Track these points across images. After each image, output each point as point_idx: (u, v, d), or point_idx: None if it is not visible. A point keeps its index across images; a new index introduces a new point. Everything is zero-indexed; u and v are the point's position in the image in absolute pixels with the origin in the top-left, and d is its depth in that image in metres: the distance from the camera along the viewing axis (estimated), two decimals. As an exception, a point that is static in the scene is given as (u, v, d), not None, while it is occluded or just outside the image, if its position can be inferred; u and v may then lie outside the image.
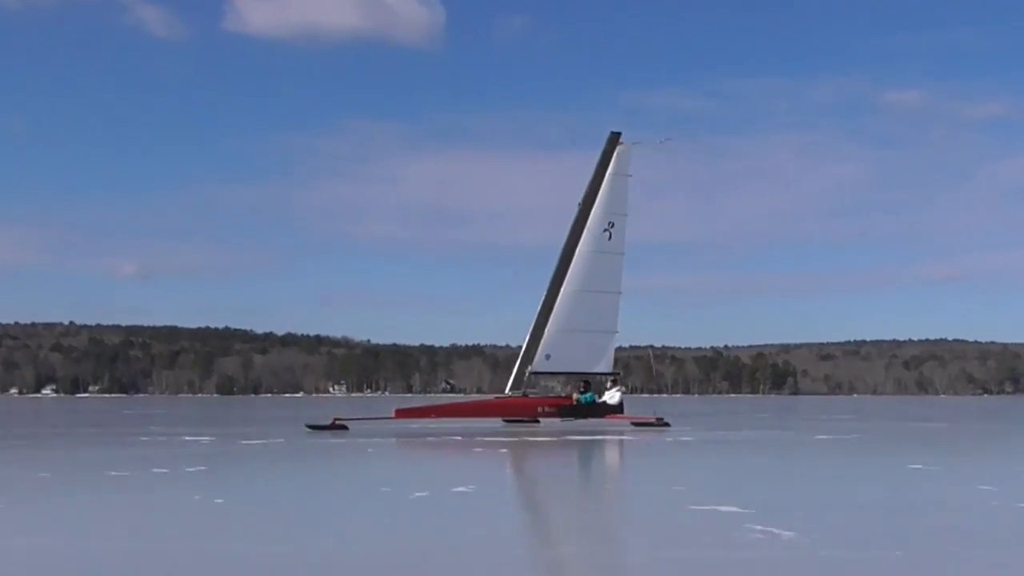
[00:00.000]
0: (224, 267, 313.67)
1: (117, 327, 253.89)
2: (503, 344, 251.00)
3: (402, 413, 37.45)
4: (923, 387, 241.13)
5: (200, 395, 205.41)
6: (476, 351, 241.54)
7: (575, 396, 38.84)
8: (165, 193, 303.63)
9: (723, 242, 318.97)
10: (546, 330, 38.74)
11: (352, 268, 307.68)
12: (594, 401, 38.67)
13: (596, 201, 39.38)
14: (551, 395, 41.12)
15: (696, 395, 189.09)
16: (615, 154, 39.68)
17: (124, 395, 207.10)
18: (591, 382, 39.68)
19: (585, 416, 38.08)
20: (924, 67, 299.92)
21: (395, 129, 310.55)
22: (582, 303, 38.90)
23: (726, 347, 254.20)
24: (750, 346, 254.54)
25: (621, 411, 38.87)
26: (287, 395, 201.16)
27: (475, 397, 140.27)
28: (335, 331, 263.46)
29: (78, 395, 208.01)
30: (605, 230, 39.30)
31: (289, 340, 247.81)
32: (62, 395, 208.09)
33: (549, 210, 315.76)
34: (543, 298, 39.03)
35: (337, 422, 35.10)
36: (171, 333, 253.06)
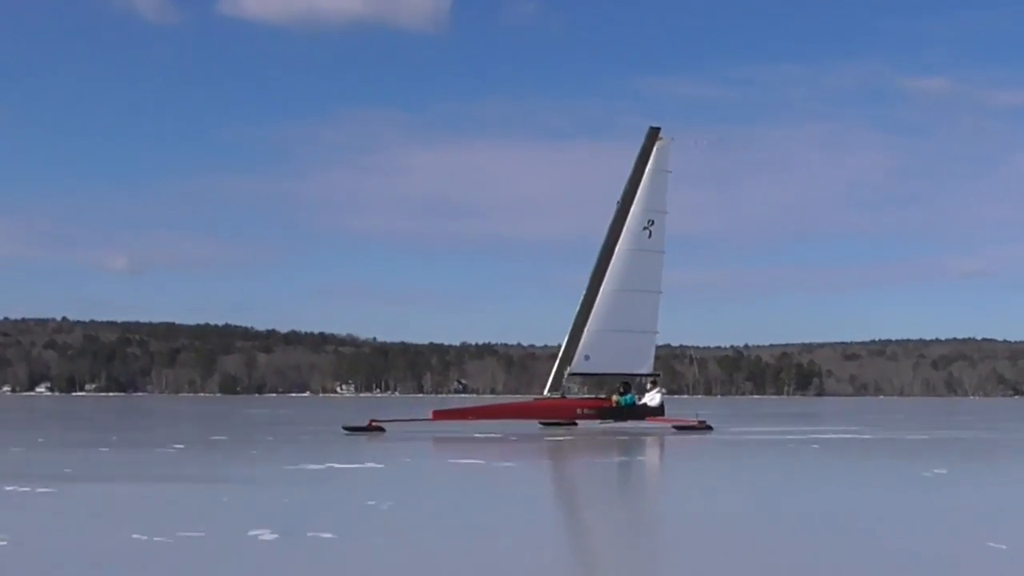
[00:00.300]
0: (220, 261, 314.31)
1: (112, 324, 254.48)
2: (515, 343, 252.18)
3: (440, 415, 38.30)
4: (952, 388, 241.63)
5: (202, 395, 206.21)
6: (488, 350, 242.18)
7: (615, 398, 39.55)
8: (158, 184, 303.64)
9: (740, 237, 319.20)
10: (585, 330, 39.51)
11: (355, 263, 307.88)
12: (634, 403, 39.40)
13: (635, 198, 40.12)
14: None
15: (719, 396, 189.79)
16: (654, 149, 40.43)
17: (122, 394, 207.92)
18: (631, 383, 40.44)
19: (625, 418, 38.82)
20: (950, 52, 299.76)
21: (399, 118, 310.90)
22: (622, 303, 39.65)
23: (746, 346, 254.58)
24: (771, 345, 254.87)
25: (662, 413, 39.59)
26: (293, 395, 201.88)
27: (488, 398, 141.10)
28: (339, 328, 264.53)
29: (74, 394, 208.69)
30: (645, 228, 40.06)
31: (293, 338, 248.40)
32: (57, 394, 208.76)
33: (559, 201, 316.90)
34: (582, 297, 39.82)
35: (373, 424, 35.96)
36: (169, 330, 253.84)
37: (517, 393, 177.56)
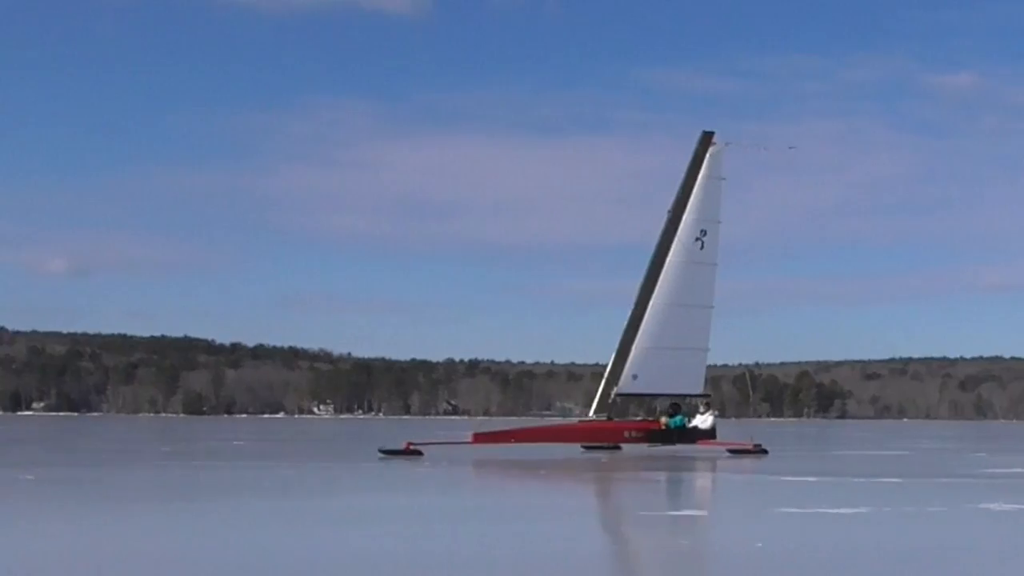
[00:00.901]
0: (173, 266, 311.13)
1: (57, 334, 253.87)
2: (503, 359, 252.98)
3: (480, 437, 39.58)
4: (982, 411, 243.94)
5: (164, 415, 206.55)
6: (478, 367, 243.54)
7: (664, 420, 40.81)
8: (101, 178, 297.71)
9: (746, 244, 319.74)
10: (633, 347, 40.81)
11: (325, 269, 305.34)
12: (684, 426, 40.68)
13: (687, 207, 41.47)
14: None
15: (733, 419, 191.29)
16: (707, 155, 41.83)
17: (75, 414, 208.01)
18: (681, 404, 41.78)
19: (675, 442, 40.14)
20: (976, 46, 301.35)
21: (374, 108, 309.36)
22: (672, 318, 41.00)
23: (757, 364, 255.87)
24: (783, 363, 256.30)
25: (714, 436, 40.92)
26: (266, 416, 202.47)
27: (482, 420, 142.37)
28: (309, 342, 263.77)
29: (20, 413, 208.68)
30: (697, 239, 41.44)
31: (261, 352, 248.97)
32: (1, 413, 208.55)
33: (553, 202, 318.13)
34: (630, 313, 41.15)
35: (411, 447, 37.17)
36: (123, 343, 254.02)
37: (513, 415, 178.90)
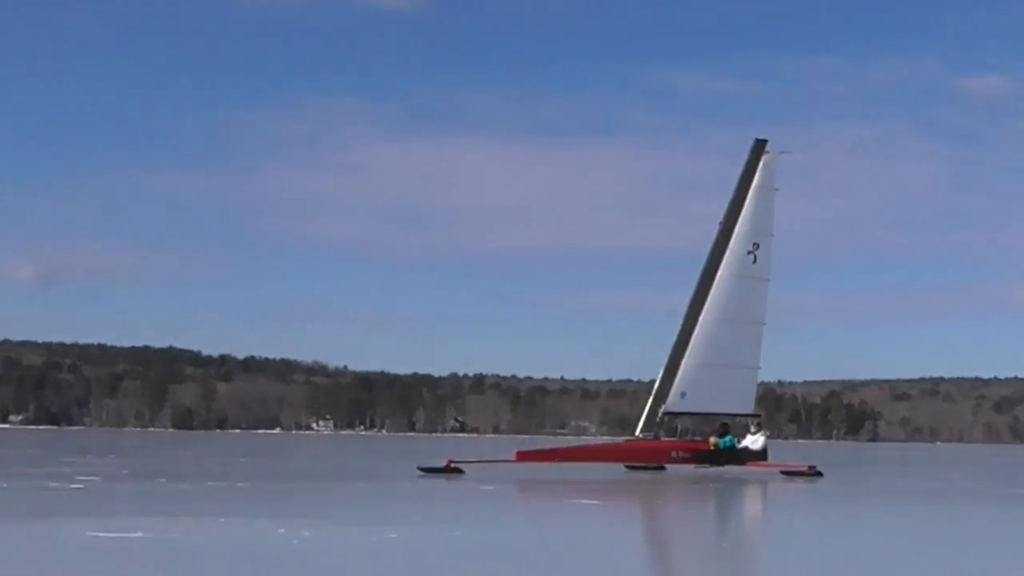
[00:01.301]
0: (152, 273, 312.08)
1: (32, 344, 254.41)
2: (509, 374, 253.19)
3: (523, 456, 40.54)
4: (1018, 434, 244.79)
5: (152, 430, 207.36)
6: (485, 382, 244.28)
7: (712, 440, 41.74)
8: (72, 181, 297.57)
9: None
10: (682, 364, 41.74)
11: (317, 277, 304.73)
12: (734, 446, 41.60)
13: (739, 219, 42.42)
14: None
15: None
16: (760, 164, 42.76)
17: (55, 427, 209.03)
18: (730, 424, 42.68)
19: (724, 463, 41.07)
20: (1010, 49, 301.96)
21: (369, 108, 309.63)
22: (722, 334, 41.97)
23: (779, 383, 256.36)
24: (805, 382, 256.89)
25: (765, 458, 41.79)
26: (261, 431, 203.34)
27: (490, 439, 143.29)
28: (302, 355, 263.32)
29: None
30: (749, 252, 42.42)
31: (252, 365, 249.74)
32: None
33: (557, 209, 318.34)
34: (679, 328, 42.08)
35: (452, 465, 38.10)
36: (103, 354, 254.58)
37: (524, 433, 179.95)
